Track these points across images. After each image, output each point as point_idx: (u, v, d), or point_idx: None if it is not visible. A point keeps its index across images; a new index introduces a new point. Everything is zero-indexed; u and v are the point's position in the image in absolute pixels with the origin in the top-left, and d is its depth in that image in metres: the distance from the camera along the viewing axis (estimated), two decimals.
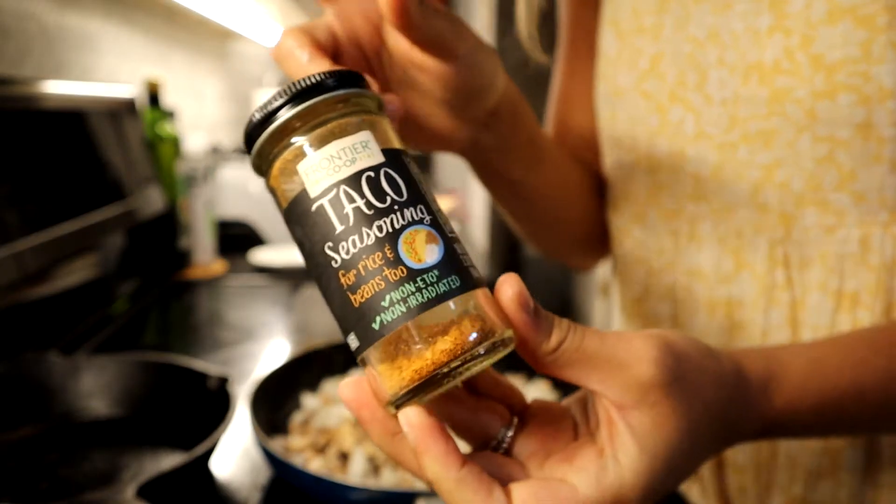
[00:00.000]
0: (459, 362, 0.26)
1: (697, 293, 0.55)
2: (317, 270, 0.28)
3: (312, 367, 0.75)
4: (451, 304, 0.26)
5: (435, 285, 0.26)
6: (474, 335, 0.26)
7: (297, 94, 0.28)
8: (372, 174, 0.27)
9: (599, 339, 0.29)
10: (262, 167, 0.30)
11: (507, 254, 2.40)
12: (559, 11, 0.67)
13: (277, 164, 0.29)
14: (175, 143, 1.29)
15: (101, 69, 1.25)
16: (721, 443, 0.33)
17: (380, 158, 0.28)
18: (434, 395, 0.28)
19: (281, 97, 0.28)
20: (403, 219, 0.27)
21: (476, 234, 1.95)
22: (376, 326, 0.26)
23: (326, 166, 0.27)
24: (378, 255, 0.26)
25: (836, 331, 0.49)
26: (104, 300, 1.10)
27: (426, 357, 0.26)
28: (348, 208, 0.27)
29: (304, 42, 0.34)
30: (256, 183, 1.54)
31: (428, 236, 0.27)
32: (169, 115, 1.32)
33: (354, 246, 0.27)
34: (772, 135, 0.48)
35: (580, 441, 0.31)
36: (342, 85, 0.29)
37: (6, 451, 0.64)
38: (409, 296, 0.26)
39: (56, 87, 0.96)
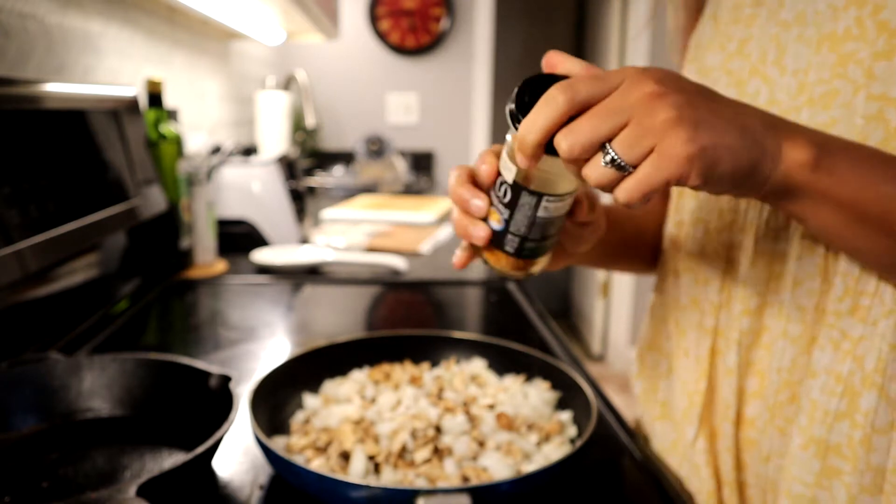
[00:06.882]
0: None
1: (749, 248, 0.59)
2: None
3: (313, 367, 0.76)
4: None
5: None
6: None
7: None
8: None
9: None
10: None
11: None
12: (667, 22, 0.77)
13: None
14: (178, 142, 1.29)
15: (103, 70, 1.26)
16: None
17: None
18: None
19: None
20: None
21: None
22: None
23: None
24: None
25: (864, 275, 0.53)
26: (105, 300, 1.11)
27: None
28: None
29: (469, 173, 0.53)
30: (258, 183, 1.54)
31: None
32: (171, 114, 1.32)
33: None
34: (832, 96, 0.52)
35: None
36: None
37: (7, 451, 0.64)
38: None
39: (58, 88, 0.96)
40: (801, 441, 0.55)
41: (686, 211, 0.67)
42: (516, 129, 0.45)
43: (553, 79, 0.45)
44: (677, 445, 0.69)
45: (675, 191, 0.70)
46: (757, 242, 0.59)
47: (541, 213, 0.50)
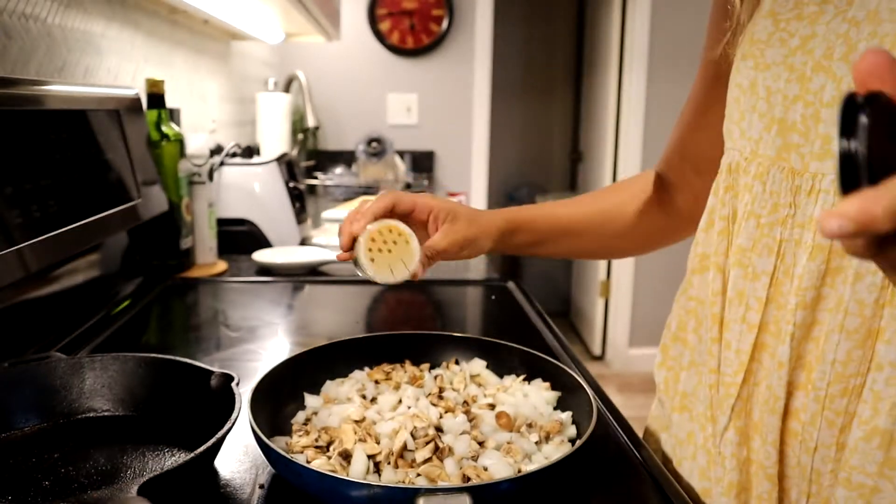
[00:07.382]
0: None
1: (808, 243, 0.60)
2: None
3: (313, 367, 0.76)
4: None
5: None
6: None
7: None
8: None
9: None
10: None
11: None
12: (702, 49, 0.78)
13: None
14: (180, 142, 1.29)
15: (104, 70, 1.26)
16: None
17: None
18: None
19: None
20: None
21: None
22: None
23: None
24: None
25: None
26: (106, 299, 1.11)
27: None
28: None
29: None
30: (258, 183, 1.54)
31: None
32: (172, 114, 1.33)
33: None
34: None
35: None
36: None
37: (9, 450, 0.64)
38: None
39: (59, 88, 0.96)
40: (862, 432, 0.56)
41: (740, 204, 0.68)
42: (848, 186, 0.28)
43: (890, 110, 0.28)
44: (694, 436, 0.69)
45: (721, 185, 0.70)
46: (815, 237, 0.59)
47: (369, 276, 0.70)
